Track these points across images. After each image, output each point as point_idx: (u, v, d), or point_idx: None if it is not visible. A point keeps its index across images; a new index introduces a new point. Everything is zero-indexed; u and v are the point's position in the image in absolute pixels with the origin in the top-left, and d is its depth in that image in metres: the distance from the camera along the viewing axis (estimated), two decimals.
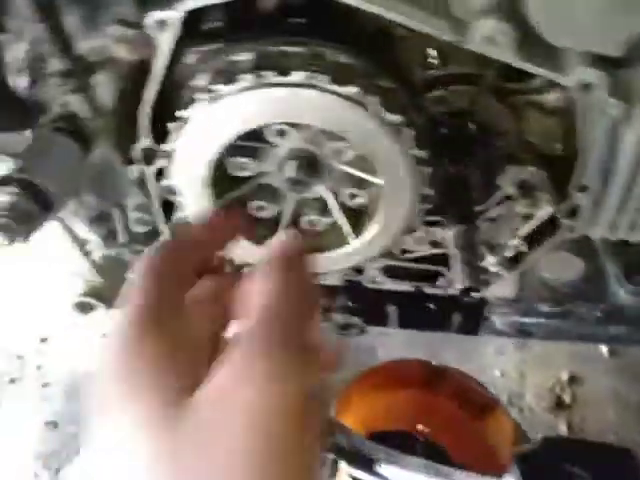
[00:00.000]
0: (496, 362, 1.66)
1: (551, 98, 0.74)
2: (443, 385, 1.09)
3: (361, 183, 0.63)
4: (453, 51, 0.70)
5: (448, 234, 0.64)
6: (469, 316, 0.91)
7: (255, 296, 0.36)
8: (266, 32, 0.58)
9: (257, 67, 0.53)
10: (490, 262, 0.87)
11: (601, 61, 0.62)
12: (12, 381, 1.59)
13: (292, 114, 0.52)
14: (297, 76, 0.52)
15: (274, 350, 0.33)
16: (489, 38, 0.59)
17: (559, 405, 1.57)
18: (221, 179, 0.60)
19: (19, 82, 0.71)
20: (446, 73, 0.72)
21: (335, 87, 0.52)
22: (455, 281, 0.61)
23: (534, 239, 0.84)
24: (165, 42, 0.62)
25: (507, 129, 0.75)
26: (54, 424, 1.50)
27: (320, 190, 0.65)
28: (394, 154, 0.55)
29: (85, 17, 0.64)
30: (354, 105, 0.52)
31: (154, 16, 0.59)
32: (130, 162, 0.75)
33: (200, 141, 0.57)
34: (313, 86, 0.51)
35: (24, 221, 0.58)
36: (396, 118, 0.54)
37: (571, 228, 0.80)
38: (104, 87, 0.70)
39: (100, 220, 0.87)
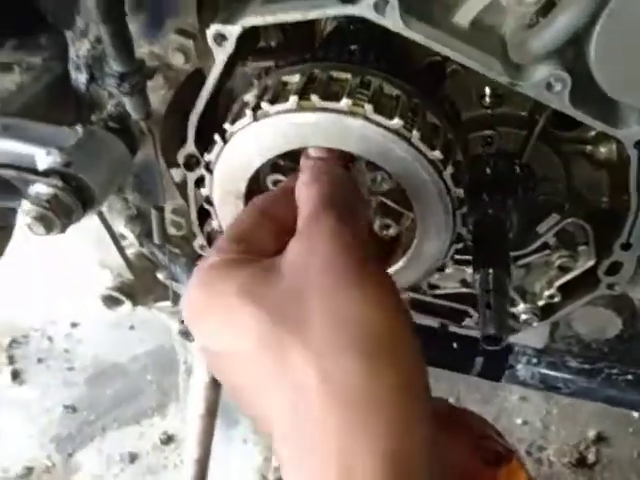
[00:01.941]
0: (520, 409, 1.61)
1: (603, 150, 0.72)
2: (461, 428, 1.06)
3: (394, 215, 0.62)
4: (507, 92, 0.69)
5: (476, 277, 0.62)
6: (493, 362, 0.88)
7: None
8: (318, 56, 0.58)
9: (304, 90, 0.53)
10: (521, 309, 0.84)
11: None
12: (39, 361, 1.64)
13: (333, 140, 0.52)
14: (342, 103, 0.52)
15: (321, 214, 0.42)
16: (545, 84, 0.58)
17: (581, 463, 1.50)
18: (256, 193, 0.61)
19: (79, 78, 0.74)
20: (497, 113, 0.71)
21: (378, 117, 0.51)
22: (480, 329, 0.59)
23: (570, 291, 0.81)
24: (221, 55, 0.63)
25: (554, 176, 0.73)
26: (73, 408, 1.54)
27: None
28: (431, 190, 0.54)
29: (148, 24, 0.66)
30: (396, 138, 0.52)
31: (214, 29, 0.61)
32: (174, 166, 0.77)
33: (240, 158, 0.57)
34: (356, 114, 0.51)
35: (64, 214, 0.60)
36: (437, 154, 0.53)
37: (611, 285, 0.77)
38: (157, 91, 0.72)
39: (138, 219, 0.89)
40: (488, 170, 0.72)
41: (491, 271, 0.62)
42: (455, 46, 0.58)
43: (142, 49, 0.69)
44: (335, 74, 0.55)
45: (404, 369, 0.37)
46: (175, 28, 0.65)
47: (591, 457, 1.49)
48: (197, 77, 0.70)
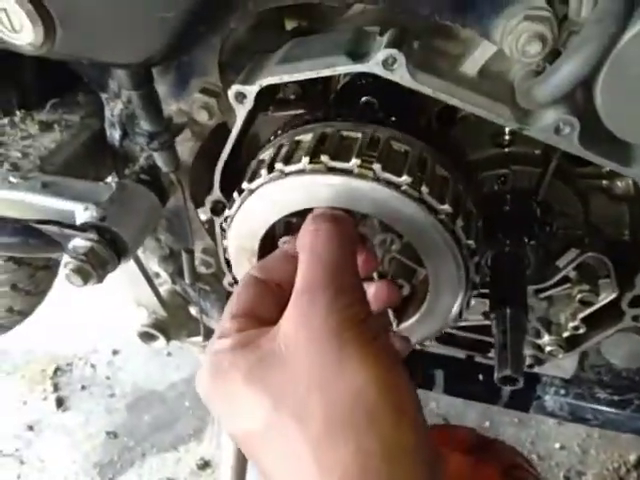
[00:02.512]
0: (557, 433, 1.58)
1: (620, 185, 0.72)
2: (490, 456, 1.05)
3: (407, 271, 0.63)
4: (519, 132, 0.70)
5: (491, 316, 0.63)
6: (520, 393, 0.88)
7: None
8: (331, 113, 0.61)
9: (315, 150, 0.56)
10: (546, 341, 0.85)
11: None
12: (83, 388, 1.71)
13: (343, 201, 0.54)
14: (351, 163, 0.54)
15: (317, 292, 0.42)
16: (553, 128, 0.60)
17: None
18: (269, 249, 0.62)
19: (114, 134, 0.80)
20: (511, 152, 0.73)
21: (387, 175, 0.53)
22: (495, 369, 0.60)
23: (595, 322, 0.81)
24: (242, 111, 0.67)
25: (571, 211, 0.74)
26: (114, 434, 1.59)
27: None
28: (441, 245, 0.55)
29: (174, 84, 0.71)
30: (404, 196, 0.53)
31: (235, 89, 0.65)
32: (202, 206, 0.81)
33: (254, 216, 0.59)
34: (365, 176, 0.53)
35: (99, 266, 0.64)
36: (447, 208, 0.55)
37: (636, 317, 0.76)
38: (185, 144, 0.76)
39: (171, 258, 0.94)
40: (505, 207, 0.73)
41: (508, 311, 0.63)
42: (463, 96, 0.60)
43: (171, 107, 0.73)
44: (345, 133, 0.58)
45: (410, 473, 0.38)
46: (199, 87, 0.70)
47: None
48: (222, 129, 0.74)
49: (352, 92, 0.68)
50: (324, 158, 0.54)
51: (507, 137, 0.72)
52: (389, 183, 0.52)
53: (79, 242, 0.64)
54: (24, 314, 1.30)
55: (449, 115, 0.71)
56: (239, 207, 0.58)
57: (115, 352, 1.76)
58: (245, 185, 0.59)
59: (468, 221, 0.57)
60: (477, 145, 0.73)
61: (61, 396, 1.67)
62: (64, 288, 1.75)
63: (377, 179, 0.53)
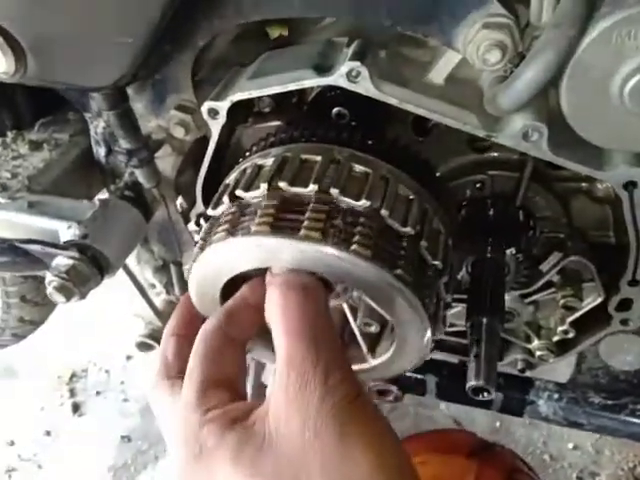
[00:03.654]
0: (570, 433, 1.55)
1: (601, 187, 0.71)
2: (492, 460, 1.05)
3: (374, 311, 0.60)
4: None
5: (467, 324, 0.63)
6: (513, 397, 0.87)
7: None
8: (295, 133, 0.61)
9: (273, 176, 0.56)
10: (536, 345, 0.84)
11: None
12: (98, 394, 1.75)
13: (297, 263, 0.51)
14: (309, 189, 0.53)
15: (306, 373, 0.41)
16: (521, 134, 0.59)
17: None
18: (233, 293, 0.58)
19: (99, 151, 0.82)
20: (488, 158, 0.72)
21: (345, 199, 0.53)
22: (467, 379, 0.60)
23: (584, 327, 0.80)
24: (216, 126, 0.68)
25: (552, 215, 0.73)
26: (128, 438, 1.63)
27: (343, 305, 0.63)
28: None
29: (151, 101, 0.73)
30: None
31: (207, 106, 0.66)
32: (189, 221, 0.83)
33: (211, 270, 0.57)
34: (312, 238, 0.49)
35: (81, 283, 0.66)
36: (409, 230, 0.54)
37: (624, 321, 0.75)
38: (167, 159, 0.78)
39: (164, 269, 0.96)
40: (484, 213, 0.73)
41: (484, 320, 0.63)
42: (429, 105, 0.60)
43: (150, 123, 0.75)
44: (305, 156, 0.58)
45: None
46: (175, 104, 0.71)
47: None
48: (203, 141, 0.76)
49: (324, 103, 0.68)
50: (282, 184, 0.54)
51: (484, 142, 0.72)
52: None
53: (61, 260, 0.66)
54: (36, 323, 1.34)
55: (424, 122, 0.71)
56: (197, 256, 0.57)
57: (129, 357, 1.80)
58: (210, 211, 0.60)
59: (434, 241, 0.56)
60: (454, 151, 0.72)
61: (77, 402, 1.72)
62: (86, 305, 1.79)
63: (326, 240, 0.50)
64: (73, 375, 1.78)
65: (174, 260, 0.87)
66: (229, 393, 0.45)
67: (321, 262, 0.51)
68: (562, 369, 0.93)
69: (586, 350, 0.88)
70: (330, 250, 0.50)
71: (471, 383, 0.58)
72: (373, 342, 0.63)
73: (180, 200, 0.82)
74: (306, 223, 0.51)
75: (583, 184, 0.71)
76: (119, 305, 1.75)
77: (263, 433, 0.39)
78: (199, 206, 0.78)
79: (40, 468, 1.61)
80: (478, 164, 0.72)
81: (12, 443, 1.67)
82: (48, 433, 1.67)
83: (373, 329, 0.61)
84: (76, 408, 1.70)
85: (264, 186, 0.55)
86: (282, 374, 0.41)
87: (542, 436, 1.56)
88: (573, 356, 0.89)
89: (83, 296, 0.68)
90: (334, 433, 0.38)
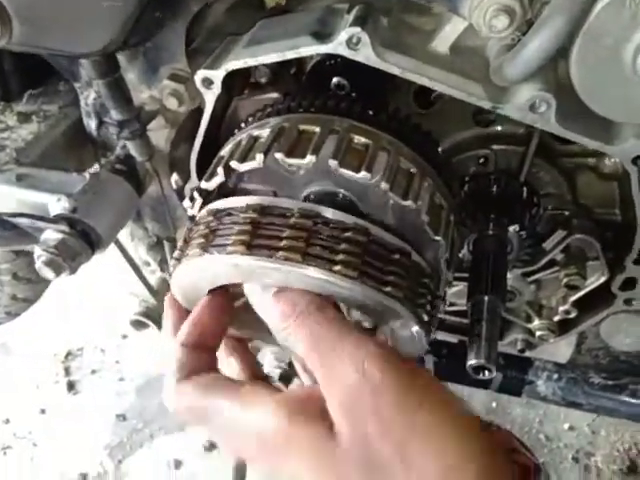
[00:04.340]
0: (566, 413, 1.55)
1: (608, 162, 0.69)
2: None
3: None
4: None
5: (468, 303, 0.61)
6: (511, 377, 0.86)
7: None
8: (293, 103, 0.58)
9: (270, 147, 0.53)
10: (536, 325, 0.82)
11: None
12: (93, 372, 1.75)
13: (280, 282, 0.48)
14: (306, 160, 0.51)
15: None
16: (528, 106, 0.57)
17: (632, 470, 1.44)
18: None
19: (90, 123, 0.79)
20: (492, 131, 0.70)
21: (344, 171, 0.51)
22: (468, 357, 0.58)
23: (586, 306, 0.78)
24: (210, 97, 0.65)
25: (557, 192, 0.71)
26: (124, 417, 1.63)
27: None
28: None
29: (144, 71, 0.70)
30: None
31: (201, 75, 0.63)
32: (184, 197, 0.81)
33: (190, 282, 0.53)
34: (292, 260, 0.46)
35: (71, 258, 0.64)
36: (410, 204, 0.52)
37: (628, 300, 0.74)
38: (160, 131, 0.75)
39: (158, 246, 0.94)
40: (487, 189, 0.71)
41: (485, 298, 0.61)
42: (433, 74, 0.57)
43: (142, 94, 0.72)
44: (303, 127, 0.55)
45: None
46: (168, 74, 0.68)
47: None
48: (198, 113, 0.73)
49: (323, 74, 0.66)
50: (279, 155, 0.52)
51: (489, 116, 0.69)
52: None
53: (50, 234, 0.64)
54: (29, 301, 1.32)
55: (427, 94, 0.68)
56: (172, 272, 0.54)
57: (124, 336, 1.79)
58: (203, 184, 0.57)
59: (436, 216, 0.54)
60: (458, 125, 0.70)
61: (72, 380, 1.71)
62: (74, 276, 1.77)
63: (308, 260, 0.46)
64: (68, 354, 1.77)
65: (168, 236, 0.85)
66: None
67: (305, 282, 0.47)
68: (562, 350, 0.92)
69: (587, 330, 0.87)
70: (312, 273, 0.46)
71: (472, 362, 0.57)
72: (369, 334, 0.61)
73: (175, 177, 0.80)
74: (285, 243, 0.47)
75: (590, 160, 0.69)
76: (115, 284, 1.73)
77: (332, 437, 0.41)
78: (194, 180, 0.76)
79: (35, 446, 1.61)
80: (482, 138, 0.70)
81: (7, 421, 1.66)
82: (43, 411, 1.66)
83: (367, 325, 0.59)
84: (71, 386, 1.70)
85: (260, 157, 0.53)
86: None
87: (538, 416, 1.56)
88: (573, 336, 0.88)
89: (73, 271, 0.66)
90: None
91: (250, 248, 0.47)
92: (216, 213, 0.52)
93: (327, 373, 0.42)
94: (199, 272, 0.52)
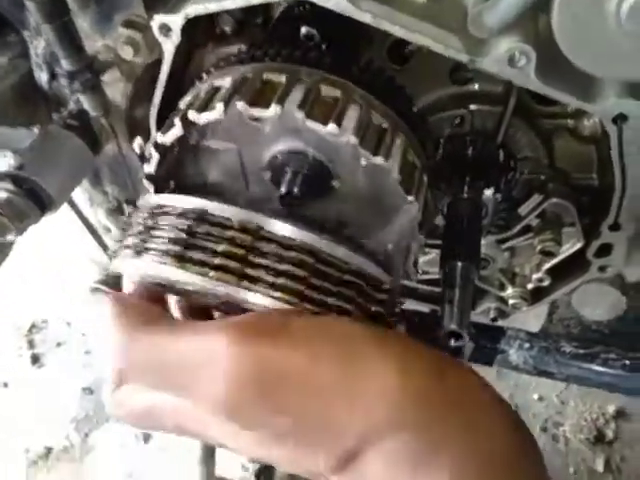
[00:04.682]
0: (536, 384, 1.57)
1: (587, 124, 0.66)
2: None
3: None
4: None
5: (441, 269, 0.59)
6: (483, 346, 0.85)
7: None
8: (258, 52, 0.54)
9: (231, 96, 0.50)
10: (510, 293, 0.81)
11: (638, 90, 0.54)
12: (58, 345, 1.70)
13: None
14: (270, 110, 0.48)
15: None
16: (507, 59, 0.54)
17: (599, 440, 1.46)
18: None
19: (41, 76, 0.73)
20: (469, 90, 0.67)
21: (311, 123, 0.47)
22: (440, 324, 0.56)
23: (560, 274, 0.77)
24: (169, 46, 0.61)
25: (534, 155, 0.69)
26: (90, 390, 1.59)
27: None
28: None
29: (97, 18, 0.64)
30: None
31: (158, 20, 0.58)
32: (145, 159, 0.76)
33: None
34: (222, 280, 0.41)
35: (17, 218, 0.59)
36: (379, 160, 0.49)
37: (602, 267, 0.72)
38: (116, 85, 0.70)
39: (118, 211, 0.89)
40: (462, 151, 0.68)
41: (459, 264, 0.59)
42: (407, 23, 0.54)
43: (97, 43, 0.67)
44: (267, 76, 0.51)
45: None
46: (123, 21, 0.63)
47: (610, 434, 1.45)
48: (158, 67, 0.68)
49: (291, 22, 0.61)
50: (240, 105, 0.48)
51: (466, 74, 0.66)
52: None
53: None
54: None
55: (402, 48, 0.64)
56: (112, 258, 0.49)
57: (90, 307, 1.74)
58: (159, 138, 0.53)
59: (409, 175, 0.51)
60: (433, 82, 0.67)
61: (36, 353, 1.66)
62: (37, 245, 1.71)
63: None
64: (32, 326, 1.71)
65: (127, 200, 0.80)
66: None
67: (242, 302, 0.43)
68: (533, 319, 0.91)
69: (558, 300, 0.86)
70: (249, 297, 0.42)
71: (445, 328, 0.55)
72: None
73: (139, 140, 0.75)
74: (219, 261, 0.42)
75: (568, 121, 0.67)
76: (81, 253, 1.68)
77: None
78: (153, 140, 0.71)
79: None
80: (458, 97, 0.66)
81: None
82: (6, 385, 1.61)
83: None
84: (35, 359, 1.65)
85: (220, 106, 0.49)
86: None
87: (509, 387, 1.58)
88: (545, 306, 0.87)
89: (20, 232, 0.61)
90: None
91: (182, 261, 0.43)
92: (154, 211, 0.48)
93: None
94: (136, 270, 0.47)
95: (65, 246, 1.72)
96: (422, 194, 0.54)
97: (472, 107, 0.66)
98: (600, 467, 1.41)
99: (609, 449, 1.45)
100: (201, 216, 0.45)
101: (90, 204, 0.89)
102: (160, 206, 0.48)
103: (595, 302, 0.87)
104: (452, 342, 0.56)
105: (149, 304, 0.47)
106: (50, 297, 1.73)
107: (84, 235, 0.98)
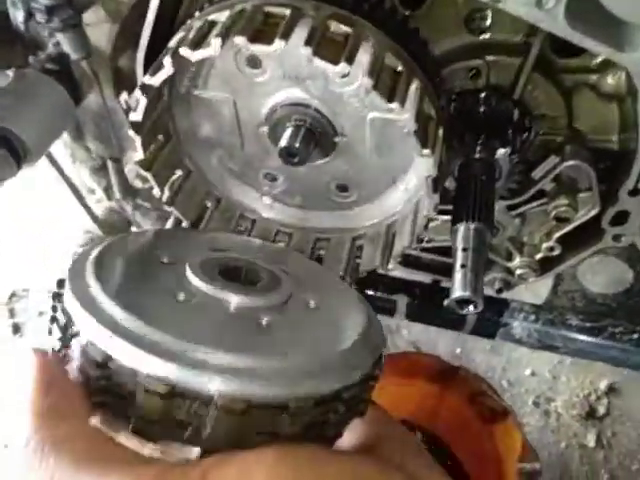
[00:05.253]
0: (529, 360, 1.55)
1: (611, 81, 0.62)
2: (455, 384, 1.01)
3: None
4: (496, 13, 0.59)
5: (454, 231, 0.55)
6: (486, 319, 0.82)
7: None
8: None
9: (227, 31, 0.44)
10: (517, 263, 0.77)
11: None
12: (40, 314, 1.64)
13: None
14: (273, 46, 0.42)
15: None
16: (535, 0, 0.48)
17: (591, 415, 1.45)
18: None
19: (17, 15, 0.66)
20: (486, 40, 0.61)
21: (320, 63, 0.42)
22: (451, 290, 0.52)
23: (571, 243, 0.73)
24: None
25: (553, 113, 0.64)
26: None
27: None
28: None
29: None
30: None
31: None
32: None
33: None
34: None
35: None
36: (395, 107, 0.44)
37: (617, 236, 0.69)
38: (100, 26, 0.64)
39: (103, 170, 0.83)
40: (476, 107, 0.63)
41: (472, 226, 0.55)
42: None
43: None
44: (269, 9, 0.46)
45: None
46: None
47: (601, 409, 1.45)
48: (145, 6, 0.62)
49: None
50: (239, 40, 0.42)
51: (482, 21, 0.61)
52: None
53: None
54: None
55: None
56: None
57: None
58: (147, 79, 0.47)
59: (424, 126, 0.46)
60: (448, 30, 0.61)
61: (17, 322, 1.61)
62: (20, 214, 1.64)
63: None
64: (13, 295, 1.65)
65: (112, 157, 0.75)
66: None
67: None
68: (538, 291, 0.88)
69: (563, 272, 0.83)
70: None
71: (456, 294, 0.51)
72: None
73: (125, 95, 0.69)
74: None
75: (591, 76, 0.62)
76: (63, 220, 1.62)
77: None
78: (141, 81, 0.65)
79: None
80: (474, 47, 0.61)
81: None
82: None
83: None
84: (17, 329, 1.59)
85: (216, 42, 0.43)
86: None
87: (501, 363, 1.56)
88: (550, 278, 0.84)
89: None
90: None
91: None
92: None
93: None
94: None
95: (45, 210, 1.65)
96: (438, 148, 0.49)
97: (488, 58, 0.61)
98: (591, 442, 1.41)
99: (600, 424, 1.44)
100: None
101: (72, 161, 0.83)
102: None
103: (601, 275, 0.84)
104: (464, 310, 0.52)
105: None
106: (31, 266, 1.67)
107: (66, 197, 0.92)
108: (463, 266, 0.51)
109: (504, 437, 0.95)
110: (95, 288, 0.36)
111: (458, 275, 0.51)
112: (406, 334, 1.60)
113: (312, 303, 0.43)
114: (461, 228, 0.55)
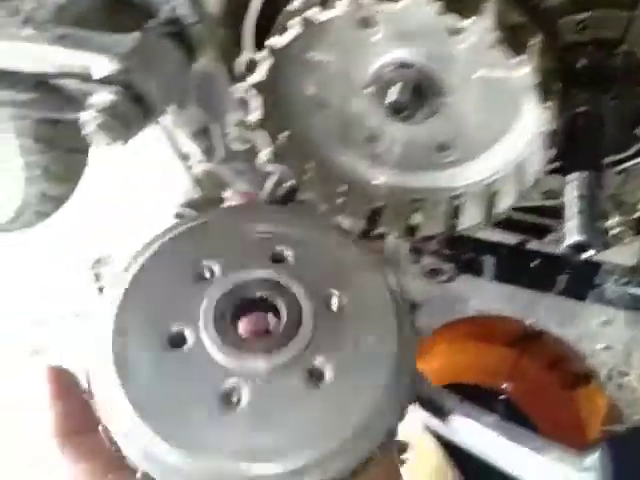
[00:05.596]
0: (602, 334, 1.52)
1: None
2: (536, 348, 1.02)
3: None
4: None
5: (568, 181, 0.55)
6: (577, 280, 0.82)
7: None
8: None
9: None
10: (614, 222, 0.77)
11: None
12: None
13: None
14: None
15: None
16: None
17: None
18: None
19: None
20: None
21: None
22: (566, 237, 0.53)
23: None
24: None
25: None
26: None
27: None
28: None
29: None
30: None
31: None
32: (235, 78, 0.73)
33: None
34: None
35: (124, 123, 0.58)
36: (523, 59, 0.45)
37: None
38: None
39: (203, 134, 0.87)
40: (583, 60, 0.63)
41: (587, 174, 0.55)
42: None
43: None
44: None
45: None
46: None
47: None
48: None
49: None
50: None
51: None
52: None
53: (101, 97, 0.58)
54: (59, 200, 1.28)
55: None
56: None
57: None
58: (274, 40, 0.50)
59: (546, 79, 0.47)
60: None
61: (102, 287, 1.71)
62: (107, 179, 1.71)
63: None
64: (98, 260, 1.76)
65: (218, 117, 0.79)
66: None
67: None
68: (628, 252, 0.87)
69: None
70: None
71: (573, 238, 0.52)
72: None
73: (246, 56, 0.71)
74: None
75: None
76: (146, 189, 1.70)
77: None
78: (247, 53, 0.68)
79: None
80: (582, 1, 0.61)
81: (40, 324, 1.68)
82: (77, 315, 1.67)
83: None
84: (101, 291, 1.70)
85: (344, 1, 0.45)
86: None
87: (573, 337, 1.54)
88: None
89: (126, 140, 0.60)
90: None
91: None
92: None
93: None
94: None
95: (128, 182, 1.74)
96: (556, 101, 0.50)
97: (595, 12, 0.61)
98: None
99: None
100: None
101: (173, 125, 0.88)
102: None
103: None
104: (580, 255, 0.53)
105: None
106: (115, 232, 1.76)
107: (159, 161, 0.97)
108: (580, 212, 0.52)
109: (588, 403, 0.95)
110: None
111: (575, 221, 0.52)
112: (474, 305, 1.61)
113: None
114: (575, 176, 0.55)
